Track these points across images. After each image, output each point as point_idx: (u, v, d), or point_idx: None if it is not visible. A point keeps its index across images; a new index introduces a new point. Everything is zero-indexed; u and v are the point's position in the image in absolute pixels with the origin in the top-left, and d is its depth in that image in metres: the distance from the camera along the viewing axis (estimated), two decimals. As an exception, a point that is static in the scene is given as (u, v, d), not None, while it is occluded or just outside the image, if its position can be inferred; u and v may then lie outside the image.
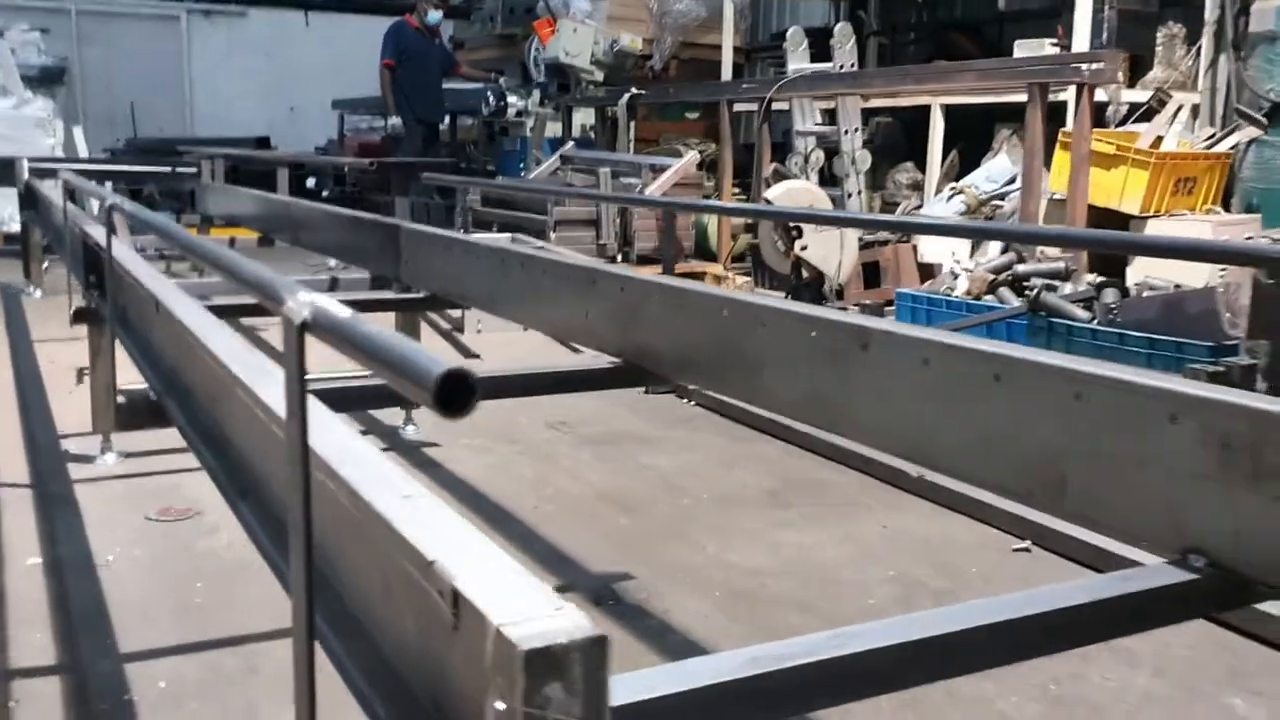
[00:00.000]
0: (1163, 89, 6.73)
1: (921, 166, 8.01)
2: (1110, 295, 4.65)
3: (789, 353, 1.97)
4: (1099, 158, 5.95)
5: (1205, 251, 3.15)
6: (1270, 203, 6.17)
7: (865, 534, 3.36)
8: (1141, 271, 5.26)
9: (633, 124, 9.31)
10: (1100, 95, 6.13)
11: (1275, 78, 6.29)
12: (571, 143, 9.39)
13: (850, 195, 6.85)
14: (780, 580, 3.00)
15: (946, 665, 1.20)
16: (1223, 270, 5.05)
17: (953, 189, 7.26)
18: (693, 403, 4.76)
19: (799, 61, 7.16)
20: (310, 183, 11.49)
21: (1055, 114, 6.02)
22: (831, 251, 5.99)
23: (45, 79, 10.96)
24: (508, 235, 4.92)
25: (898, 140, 8.78)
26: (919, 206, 7.77)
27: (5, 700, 2.26)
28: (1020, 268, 5.18)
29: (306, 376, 0.92)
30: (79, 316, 3.20)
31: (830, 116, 7.10)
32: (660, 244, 7.71)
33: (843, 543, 3.28)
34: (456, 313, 3.98)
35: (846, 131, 6.83)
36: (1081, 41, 6.81)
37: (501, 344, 3.99)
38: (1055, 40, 7.19)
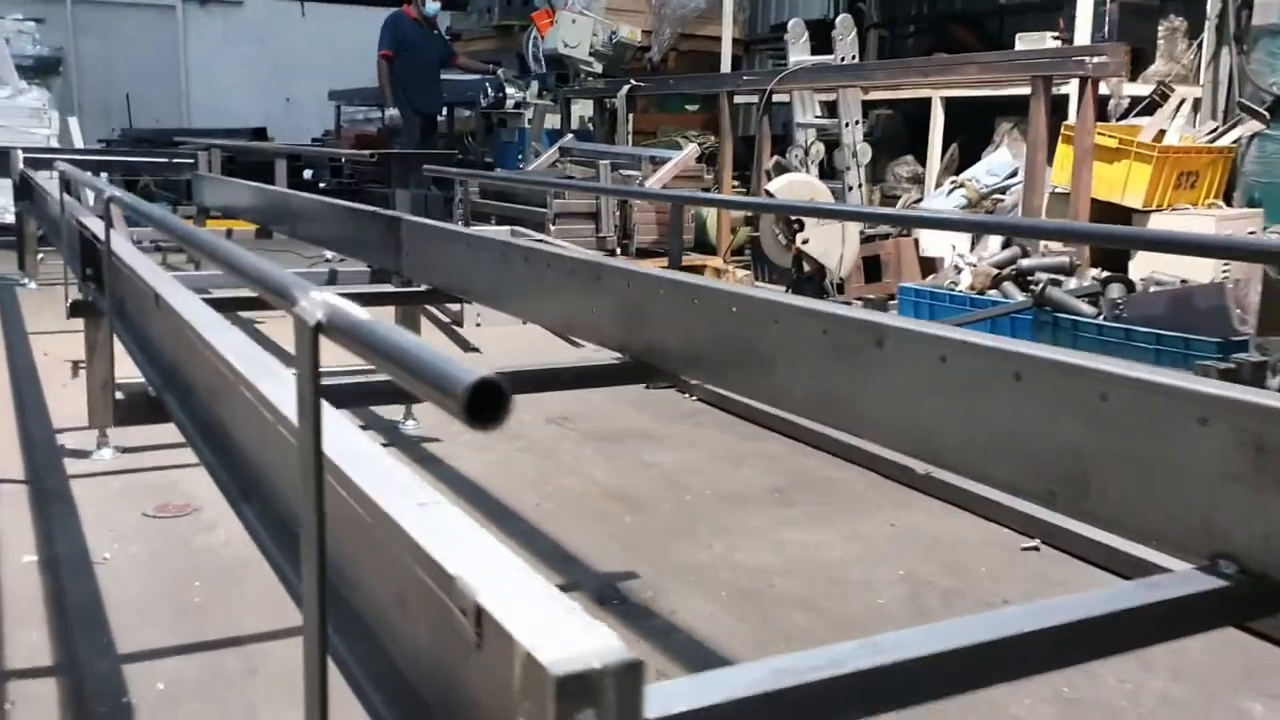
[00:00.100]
0: (1165, 83, 6.69)
1: (921, 160, 7.98)
2: (1116, 290, 4.61)
3: (801, 349, 1.94)
4: (1101, 151, 5.92)
5: (1215, 247, 3.12)
6: (1273, 197, 6.13)
7: (873, 532, 3.32)
8: (1144, 266, 5.22)
9: (631, 116, 9.26)
10: (1102, 89, 6.09)
11: (1278, 71, 6.25)
12: (570, 135, 9.35)
13: (851, 188, 6.81)
14: (787, 579, 2.96)
15: (977, 675, 1.17)
16: (1225, 266, 5.03)
17: (953, 182, 7.22)
18: (695, 398, 4.72)
19: (800, 53, 7.11)
20: (307, 174, 11.44)
21: (1057, 108, 5.98)
22: (833, 245, 5.95)
23: (40, 69, 10.91)
24: (507, 228, 4.89)
25: (898, 133, 8.74)
26: (919, 200, 7.74)
27: (1, 702, 2.22)
28: (1024, 262, 5.14)
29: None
30: (76, 310, 3.15)
31: (830, 109, 7.06)
32: (660, 237, 7.68)
33: (850, 541, 3.24)
34: (455, 306, 3.95)
35: (847, 124, 6.78)
36: (1083, 35, 6.79)
37: (500, 338, 3.94)
38: (1057, 34, 7.17)
